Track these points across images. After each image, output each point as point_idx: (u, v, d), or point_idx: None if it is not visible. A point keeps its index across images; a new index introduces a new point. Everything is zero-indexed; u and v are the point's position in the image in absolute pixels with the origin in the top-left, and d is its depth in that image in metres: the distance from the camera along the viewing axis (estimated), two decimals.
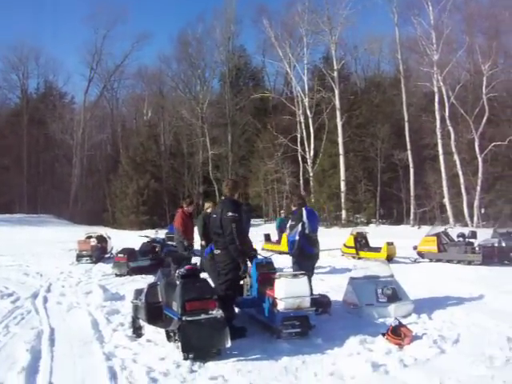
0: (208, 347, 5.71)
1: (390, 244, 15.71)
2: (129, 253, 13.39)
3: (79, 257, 16.17)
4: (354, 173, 37.33)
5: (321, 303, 7.89)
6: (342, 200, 35.86)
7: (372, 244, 16.97)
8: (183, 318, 5.61)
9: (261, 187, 41.45)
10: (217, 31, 49.14)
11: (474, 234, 15.70)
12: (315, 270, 12.97)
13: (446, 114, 33.54)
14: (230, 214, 6.64)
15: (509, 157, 33.68)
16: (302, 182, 41.07)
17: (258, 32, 52.51)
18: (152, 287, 7.02)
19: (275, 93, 49.12)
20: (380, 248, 15.85)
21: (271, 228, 33.13)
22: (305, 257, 8.01)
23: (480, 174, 32.67)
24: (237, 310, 7.57)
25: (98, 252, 16.63)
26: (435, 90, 34.24)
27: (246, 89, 49.32)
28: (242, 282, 7.89)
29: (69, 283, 12.21)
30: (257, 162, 42.15)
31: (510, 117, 33.29)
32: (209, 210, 11.78)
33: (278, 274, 6.73)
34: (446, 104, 33.59)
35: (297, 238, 7.91)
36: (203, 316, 5.64)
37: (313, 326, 6.52)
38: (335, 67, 37.64)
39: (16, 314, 8.66)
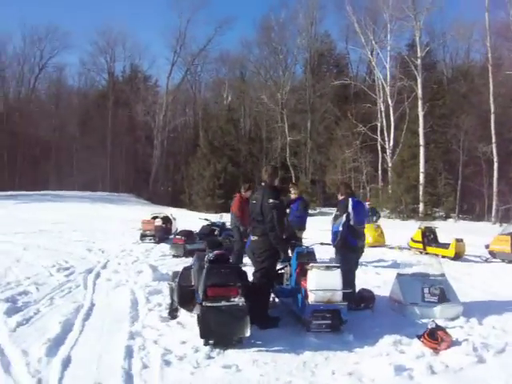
0: (227, 334, 5.59)
1: (459, 241, 14.97)
2: (186, 235, 13.47)
3: (143, 236, 16.45)
4: (434, 165, 36.06)
5: (363, 298, 7.61)
6: (420, 193, 34.71)
7: (443, 240, 16.22)
8: (203, 304, 5.52)
9: (338, 176, 40.80)
10: (300, 16, 48.73)
11: None
12: (373, 264, 12.83)
13: None
14: (271, 200, 6.47)
15: None
16: (380, 172, 40.19)
17: (341, 18, 51.45)
18: (186, 270, 7.00)
19: (357, 80, 48.19)
20: (449, 244, 15.16)
21: None
22: (348, 249, 7.68)
23: None
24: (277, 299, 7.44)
25: (162, 232, 16.83)
26: None
27: (329, 75, 48.65)
28: (282, 271, 7.71)
29: (125, 261, 12.41)
30: (335, 150, 41.50)
31: None
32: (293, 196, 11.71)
33: (311, 264, 6.46)
34: None
35: (340, 228, 7.59)
36: (224, 303, 5.54)
37: (344, 321, 6.22)
38: (419, 55, 36.31)
39: (65, 287, 8.91)
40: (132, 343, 5.73)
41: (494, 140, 33.17)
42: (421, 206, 34.50)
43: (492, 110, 33.45)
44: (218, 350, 5.53)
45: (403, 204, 34.86)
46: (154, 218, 17.49)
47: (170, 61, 56.26)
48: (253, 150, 48.11)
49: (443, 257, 14.94)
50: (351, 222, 7.63)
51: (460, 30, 43.99)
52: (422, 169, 34.90)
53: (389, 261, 13.50)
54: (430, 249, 15.64)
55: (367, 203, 18.52)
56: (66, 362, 5.16)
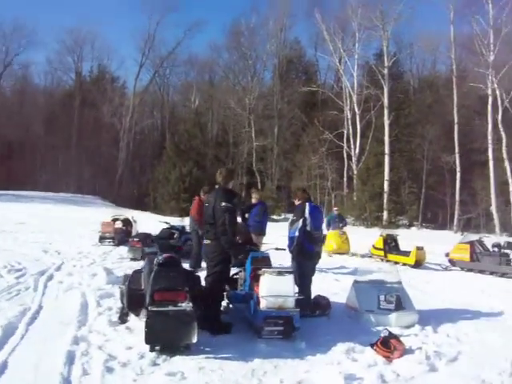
0: (174, 340, 5.38)
1: (419, 249, 15.05)
2: (144, 238, 13.23)
3: (102, 238, 16.17)
4: (399, 173, 36.55)
5: (319, 305, 7.49)
6: (385, 200, 35.04)
7: (405, 247, 16.26)
8: (150, 308, 5.31)
9: (304, 182, 40.87)
10: (270, 22, 49.10)
11: (510, 245, 14.85)
12: (333, 270, 12.76)
13: (499, 118, 32.37)
14: (223, 203, 6.29)
15: None
16: (345, 179, 40.42)
17: (311, 25, 51.87)
18: (136, 273, 6.80)
19: (325, 87, 48.42)
20: (409, 252, 15.22)
21: None
22: (304, 255, 7.54)
23: None
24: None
25: (122, 235, 16.56)
26: (489, 92, 33.08)
27: (297, 82, 48.84)
28: (237, 276, 7.55)
29: (81, 264, 12.11)
30: (301, 156, 41.64)
31: None
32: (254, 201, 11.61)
33: (263, 270, 6.30)
34: (500, 108, 32.45)
35: (296, 234, 7.45)
36: (171, 308, 5.33)
37: (297, 328, 6.07)
38: (386, 64, 36.71)
39: (14, 289, 8.55)
40: (75, 348, 5.47)
41: (457, 150, 33.68)
42: (385, 214, 34.79)
43: (456, 120, 33.99)
44: (164, 356, 5.31)
45: (367, 211, 35.08)
46: (114, 220, 17.25)
47: (139, 62, 55.83)
48: (219, 155, 47.89)
49: (404, 264, 15.04)
50: (308, 228, 7.49)
51: (427, 42, 44.60)
52: (386, 177, 35.24)
53: (349, 268, 13.43)
54: (391, 256, 15.70)
55: (335, 209, 19.34)
56: (2, 369, 4.89)
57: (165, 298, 5.37)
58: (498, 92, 32.62)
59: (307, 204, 7.68)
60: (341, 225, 17.75)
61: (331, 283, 10.65)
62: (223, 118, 50.85)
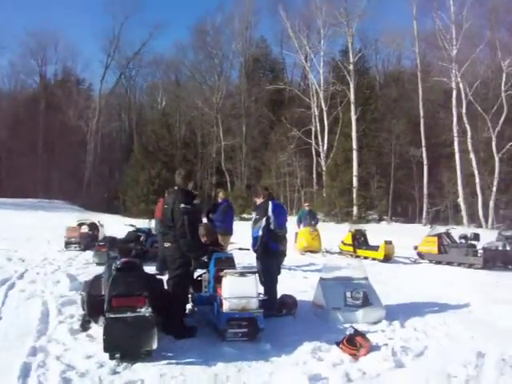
0: (134, 347, 5.21)
1: (388, 243, 15.13)
2: (109, 242, 12.97)
3: (67, 244, 15.83)
4: (367, 168, 36.75)
5: (285, 304, 7.38)
6: (354, 196, 35.22)
7: (374, 242, 16.29)
8: (107, 315, 5.14)
9: (273, 180, 40.89)
10: (235, 21, 48.79)
11: (476, 237, 15.05)
12: (302, 268, 12.71)
13: (463, 111, 32.86)
14: (182, 205, 6.13)
15: None
16: (314, 175, 40.50)
17: (276, 23, 51.84)
18: (97, 279, 6.58)
19: (292, 85, 48.45)
20: (378, 246, 15.28)
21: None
22: (269, 254, 7.43)
23: (496, 174, 32.01)
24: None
25: (88, 240, 16.18)
26: (453, 86, 33.51)
27: (264, 80, 48.79)
28: (201, 278, 7.42)
29: (45, 270, 11.76)
30: (270, 154, 41.62)
31: None
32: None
33: (225, 271, 6.17)
34: (464, 101, 32.92)
35: (260, 233, 7.34)
36: (129, 314, 5.16)
37: (261, 329, 5.95)
38: (351, 60, 36.86)
39: None
40: (31, 360, 5.25)
41: (423, 144, 34.02)
42: (354, 209, 34.97)
43: (421, 114, 34.32)
44: (124, 364, 5.14)
45: (337, 207, 35.22)
46: (80, 224, 16.89)
47: (104, 64, 55.21)
48: (187, 155, 47.63)
49: (373, 259, 15.12)
50: (271, 226, 7.39)
51: (391, 37, 44.93)
52: (355, 172, 35.42)
53: (319, 265, 13.27)
54: (360, 251, 15.75)
55: (306, 205, 18.78)
56: None
57: (123, 304, 5.21)
58: (461, 85, 33.05)
59: (270, 202, 7.58)
60: (313, 222, 17.19)
61: (300, 281, 10.59)
62: (191, 118, 50.58)
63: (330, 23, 39.50)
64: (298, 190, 40.11)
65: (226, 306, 5.87)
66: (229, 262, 6.99)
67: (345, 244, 16.39)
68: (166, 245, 6.37)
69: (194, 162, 46.81)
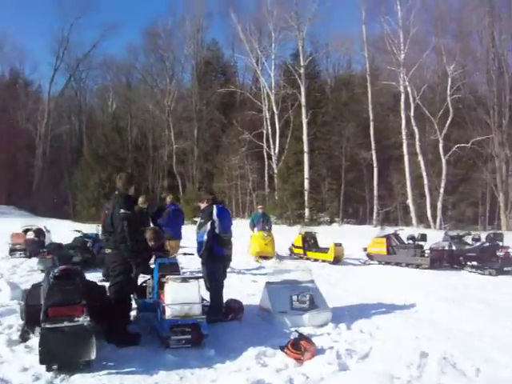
0: (71, 358, 5.02)
1: (337, 245, 15.21)
2: (55, 248, 12.63)
3: (12, 250, 15.31)
4: (318, 171, 37.05)
5: (231, 309, 7.30)
6: (306, 198, 35.44)
7: (325, 244, 16.36)
8: (43, 325, 4.95)
9: (224, 183, 40.82)
10: (186, 24, 48.40)
11: (423, 237, 15.34)
12: (252, 271, 12.66)
13: (412, 114, 33.48)
14: (122, 210, 5.96)
15: (473, 159, 33.59)
16: (266, 178, 40.58)
17: (227, 26, 51.89)
18: (35, 287, 6.33)
19: (244, 88, 48.44)
20: (328, 249, 15.35)
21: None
22: (214, 259, 7.33)
23: (444, 176, 32.72)
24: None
25: (34, 246, 15.66)
26: (401, 89, 34.13)
27: (216, 83, 48.62)
28: (145, 284, 7.28)
29: None
30: (221, 157, 41.51)
31: (474, 119, 33.11)
32: (143, 205, 11.34)
33: (167, 277, 6.06)
34: (412, 104, 33.60)
35: (205, 237, 7.24)
36: (66, 323, 4.98)
37: (205, 335, 5.86)
38: (302, 64, 37.10)
39: None
40: None
41: (373, 146, 34.53)
42: (306, 212, 35.19)
43: (371, 118, 34.79)
44: (62, 375, 4.95)
45: (289, 210, 35.37)
46: (26, 230, 16.39)
47: (53, 66, 53.91)
48: (139, 159, 47.04)
49: (323, 261, 15.17)
50: (216, 231, 7.30)
51: (341, 42, 45.51)
52: (306, 175, 35.66)
53: (268, 268, 13.28)
54: (310, 254, 15.81)
55: (259, 208, 17.60)
56: None
57: (59, 314, 5.03)
58: (409, 89, 33.70)
59: (214, 206, 7.47)
60: (267, 227, 16.25)
61: (248, 284, 10.53)
62: (142, 122, 50.03)
63: (280, 27, 39.72)
64: (249, 193, 40.12)
65: (168, 313, 5.76)
66: (173, 268, 6.88)
67: (295, 246, 16.42)
68: (107, 251, 6.21)
69: (145, 165, 46.30)
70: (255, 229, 16.17)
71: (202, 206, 7.67)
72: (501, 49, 33.73)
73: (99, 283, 6.99)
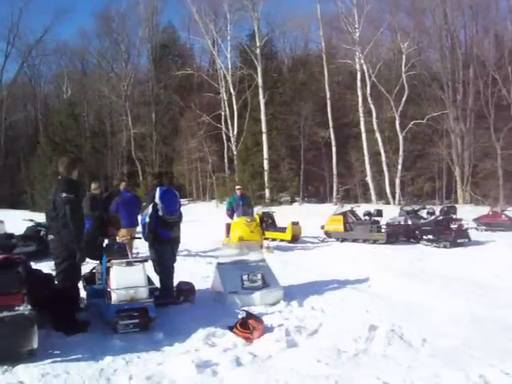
0: (12, 348, 4.90)
1: (295, 224, 15.34)
2: (6, 238, 12.33)
3: None
4: (277, 151, 37.06)
5: (182, 291, 7.27)
6: (266, 179, 35.49)
7: (282, 223, 16.43)
8: None
9: (184, 166, 40.59)
10: (140, 6, 47.56)
11: (379, 213, 15.56)
12: (208, 253, 12.64)
13: (368, 92, 33.68)
14: (64, 194, 5.83)
15: (429, 135, 34.05)
16: (226, 160, 40.45)
17: (182, 7, 51.24)
18: None
19: (201, 70, 47.98)
20: (285, 228, 15.45)
21: (193, 208, 32.49)
22: (160, 242, 7.26)
23: (401, 152, 33.09)
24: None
25: None
26: (357, 67, 34.28)
27: (173, 66, 47.99)
28: (94, 270, 7.19)
29: None
30: (180, 141, 41.21)
31: (429, 95, 33.54)
32: (96, 191, 11.20)
33: (111, 261, 5.98)
34: (368, 82, 33.75)
35: (147, 220, 7.17)
36: (5, 313, 4.84)
37: (153, 318, 5.81)
38: (258, 44, 36.90)
39: None
40: None
41: (331, 125, 34.68)
42: (266, 192, 35.25)
43: (328, 96, 34.88)
44: (5, 366, 4.83)
45: (250, 191, 35.35)
46: None
47: (4, 52, 52.42)
48: (97, 145, 46.20)
49: (281, 240, 15.26)
50: (160, 213, 7.22)
51: (297, 21, 45.40)
52: (265, 155, 35.68)
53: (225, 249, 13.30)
54: (268, 233, 15.81)
55: (237, 188, 14.98)
56: None
57: None
58: (365, 67, 33.83)
59: (158, 189, 7.39)
60: (250, 210, 14.25)
61: (203, 267, 10.55)
62: (99, 107, 49.12)
63: (235, 7, 39.23)
64: (209, 176, 39.94)
65: (114, 298, 5.71)
66: (121, 253, 6.78)
67: None
68: (50, 237, 6.07)
69: (103, 151, 45.58)
70: (234, 215, 14.01)
71: (148, 188, 7.62)
72: (453, 26, 34.19)
73: (49, 271, 6.86)
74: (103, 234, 7.39)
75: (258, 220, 14.07)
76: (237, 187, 15.18)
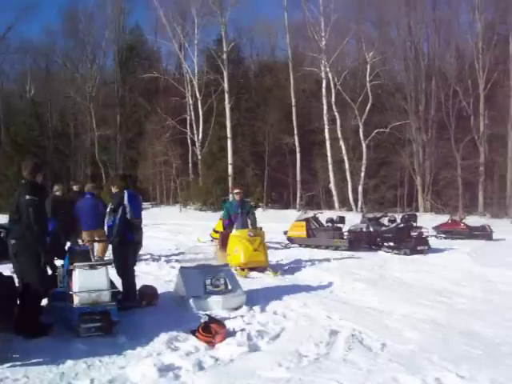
0: None
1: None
2: None
3: None
4: (242, 157, 37.15)
5: (145, 295, 7.27)
6: (230, 184, 35.52)
7: None
8: None
9: (149, 170, 40.33)
10: (107, 7, 47.09)
11: (342, 219, 15.78)
12: (171, 257, 12.61)
13: (333, 100, 34.09)
14: (27, 197, 5.78)
15: (392, 144, 34.65)
16: (190, 165, 40.33)
17: (150, 10, 50.85)
18: None
19: (167, 74, 47.70)
20: None
21: (157, 212, 32.30)
22: (125, 244, 7.25)
23: (364, 160, 33.61)
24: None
25: None
26: (323, 76, 34.70)
27: (139, 69, 47.59)
28: (56, 273, 7.13)
29: None
30: (145, 144, 40.88)
31: (392, 105, 34.15)
32: (58, 193, 11.08)
33: (74, 264, 5.95)
34: (333, 90, 34.18)
35: (117, 222, 7.15)
36: None
37: (116, 322, 5.80)
38: (225, 49, 36.93)
39: None
40: None
41: (296, 132, 35.02)
42: (230, 197, 35.13)
43: (293, 103, 35.17)
44: None
45: (214, 196, 35.40)
46: None
47: None
48: (60, 146, 45.51)
49: None
50: (128, 216, 7.22)
51: (265, 28, 45.66)
52: (230, 160, 35.76)
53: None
54: None
55: (235, 192, 12.22)
56: None
57: None
58: (330, 75, 34.30)
59: (125, 191, 7.38)
60: (249, 221, 11.53)
61: (167, 271, 10.48)
62: (63, 108, 48.41)
63: (203, 12, 39.26)
64: (174, 180, 39.72)
65: (76, 301, 5.68)
66: (83, 255, 6.74)
67: (216, 232, 16.42)
68: (12, 242, 5.97)
69: (67, 153, 44.98)
70: (234, 226, 11.40)
71: (114, 190, 7.57)
72: (417, 38, 35.03)
73: (9, 274, 6.77)
74: (65, 236, 7.34)
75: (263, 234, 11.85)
76: (235, 190, 12.25)
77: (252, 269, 10.31)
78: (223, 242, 11.44)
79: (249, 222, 11.36)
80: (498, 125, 31.41)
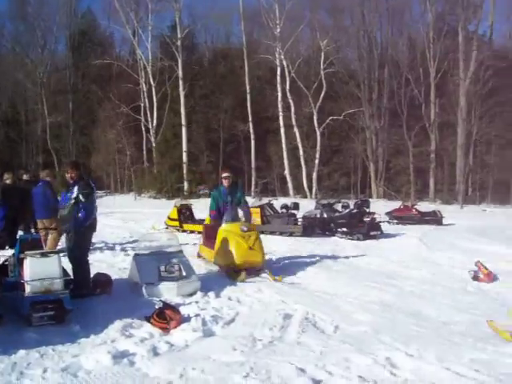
0: None
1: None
2: None
3: None
4: (197, 144, 37.00)
5: (99, 283, 7.21)
6: (185, 171, 35.42)
7: (200, 216, 16.48)
8: None
9: (102, 158, 39.71)
10: None
11: (296, 206, 15.92)
12: (126, 245, 12.52)
13: (287, 87, 34.21)
14: None
15: (345, 131, 35.06)
16: (145, 152, 39.92)
17: None
18: None
19: (120, 60, 46.89)
20: (203, 220, 15.44)
21: (111, 200, 31.89)
22: (77, 231, 7.16)
23: (318, 147, 33.88)
24: None
25: None
26: (277, 63, 34.76)
27: (92, 55, 46.62)
28: (6, 263, 7.00)
29: None
30: (98, 131, 40.21)
31: (346, 93, 34.50)
32: (8, 181, 10.89)
33: (25, 252, 5.87)
34: (287, 78, 34.30)
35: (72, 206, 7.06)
36: None
37: (69, 310, 5.75)
38: (179, 36, 36.55)
39: None
40: None
41: (250, 119, 35.00)
42: (185, 185, 35.16)
43: (248, 90, 35.13)
44: None
45: (168, 184, 35.21)
46: None
47: None
48: (10, 134, 44.46)
49: (199, 233, 15.22)
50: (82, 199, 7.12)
51: (220, 14, 45.42)
52: (184, 148, 35.60)
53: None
54: (186, 226, 15.87)
55: (223, 177, 9.96)
56: None
57: None
58: (284, 63, 34.40)
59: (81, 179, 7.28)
60: (241, 212, 9.33)
61: (122, 258, 10.41)
62: (13, 94, 47.12)
63: None
64: (128, 168, 39.23)
65: (28, 290, 5.61)
66: (34, 244, 6.65)
67: (171, 219, 16.40)
68: None
69: (18, 140, 43.94)
70: (224, 217, 9.34)
71: (72, 181, 7.39)
72: (370, 26, 35.45)
73: None
74: (15, 224, 7.22)
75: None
76: (223, 174, 10.00)
77: (247, 269, 8.46)
78: (207, 235, 10.04)
79: (241, 213, 9.26)
80: (448, 113, 32.09)
